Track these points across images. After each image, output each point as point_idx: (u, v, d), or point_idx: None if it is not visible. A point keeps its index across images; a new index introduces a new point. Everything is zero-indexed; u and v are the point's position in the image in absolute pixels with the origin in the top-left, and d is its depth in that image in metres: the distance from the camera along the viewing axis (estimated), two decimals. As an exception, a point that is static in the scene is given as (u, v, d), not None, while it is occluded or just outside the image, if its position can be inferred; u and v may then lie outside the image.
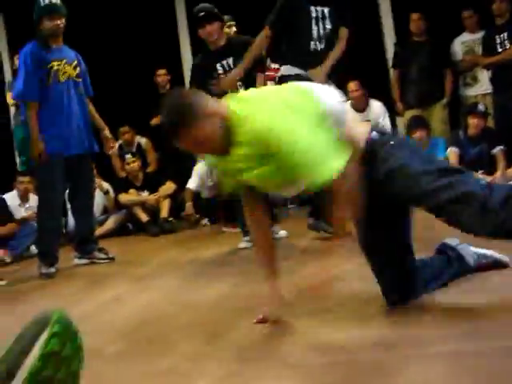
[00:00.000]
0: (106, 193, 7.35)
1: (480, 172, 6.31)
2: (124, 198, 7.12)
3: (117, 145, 8.01)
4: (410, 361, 1.88)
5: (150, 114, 7.90)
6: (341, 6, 4.84)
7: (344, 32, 4.85)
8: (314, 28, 4.72)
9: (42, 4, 4.88)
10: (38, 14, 4.90)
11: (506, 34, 6.73)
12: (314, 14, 4.74)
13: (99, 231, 6.89)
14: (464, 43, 7.41)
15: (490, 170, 6.41)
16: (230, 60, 4.94)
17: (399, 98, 7.36)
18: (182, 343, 2.38)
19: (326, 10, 4.73)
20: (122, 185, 7.32)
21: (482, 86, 7.26)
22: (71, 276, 4.63)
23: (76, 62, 5.03)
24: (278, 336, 2.30)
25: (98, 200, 7.31)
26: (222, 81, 4.82)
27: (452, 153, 6.57)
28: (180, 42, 8.79)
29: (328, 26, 4.72)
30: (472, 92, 7.32)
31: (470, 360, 1.80)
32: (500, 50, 6.78)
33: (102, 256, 5.06)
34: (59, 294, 3.89)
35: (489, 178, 6.29)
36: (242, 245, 4.71)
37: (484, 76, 7.20)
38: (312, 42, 4.71)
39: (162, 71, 7.96)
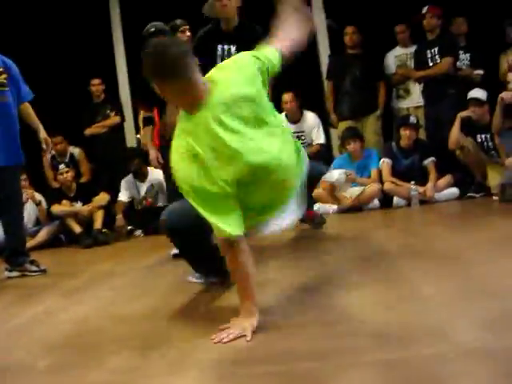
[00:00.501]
0: (39, 204, 7.20)
1: (412, 183, 6.42)
2: (57, 208, 6.99)
3: (49, 155, 7.90)
4: (345, 370, 1.88)
5: (83, 124, 7.83)
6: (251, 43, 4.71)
7: None
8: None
9: None
10: None
11: (436, 49, 6.90)
12: (219, 53, 4.69)
13: (31, 243, 6.76)
14: (397, 57, 7.57)
15: (422, 181, 6.53)
16: None
17: (333, 109, 7.46)
18: (114, 356, 2.33)
19: (233, 48, 4.67)
20: (54, 196, 7.18)
21: (413, 98, 7.42)
22: (1, 289, 4.51)
23: (1, 70, 4.87)
24: (208, 347, 2.27)
25: (31, 211, 7.19)
26: None
27: (385, 164, 6.69)
28: (115, 51, 8.71)
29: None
30: (404, 104, 7.48)
31: (403, 368, 1.81)
32: (431, 63, 6.95)
33: (34, 268, 4.90)
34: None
35: (421, 189, 6.43)
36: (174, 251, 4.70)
37: (416, 89, 7.35)
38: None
39: (96, 81, 7.87)
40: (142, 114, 6.26)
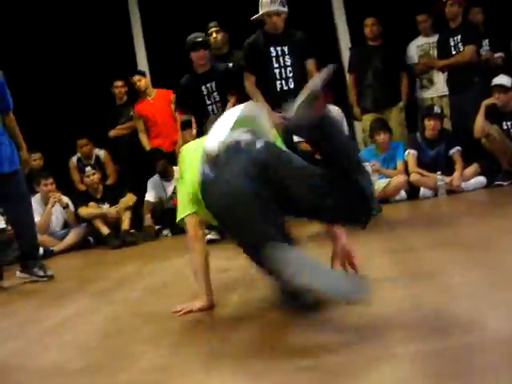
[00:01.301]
0: (66, 207, 7.25)
1: (438, 173, 6.38)
2: (84, 211, 7.04)
3: (75, 158, 7.97)
4: (376, 362, 1.86)
5: (107, 126, 7.86)
6: (299, 41, 5.19)
7: (311, 64, 5.03)
8: (276, 68, 5.05)
9: None
10: None
11: (459, 37, 6.83)
12: (273, 54, 5.12)
13: (60, 246, 6.85)
14: (419, 47, 7.51)
15: (448, 171, 6.49)
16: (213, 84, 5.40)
17: (356, 102, 7.41)
18: (145, 356, 2.34)
19: (286, 48, 5.13)
20: (81, 198, 7.24)
21: (437, 88, 7.36)
22: (32, 293, 4.55)
23: None
24: (242, 344, 2.27)
25: (58, 214, 7.25)
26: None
27: (410, 155, 6.65)
28: (136, 53, 8.74)
29: (288, 63, 5.07)
30: (428, 94, 7.42)
31: (436, 359, 1.80)
32: (454, 52, 6.88)
33: (41, 273, 4.94)
34: (18, 312, 3.81)
35: (447, 179, 6.38)
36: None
37: (440, 78, 7.29)
38: (278, 82, 4.90)
39: (119, 83, 7.90)
40: (179, 118, 6.37)
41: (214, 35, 6.20)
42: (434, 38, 7.35)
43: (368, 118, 7.12)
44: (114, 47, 8.24)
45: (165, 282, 3.94)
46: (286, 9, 5.20)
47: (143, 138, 7.53)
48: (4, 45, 5.72)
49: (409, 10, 7.43)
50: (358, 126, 7.84)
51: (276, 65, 5.08)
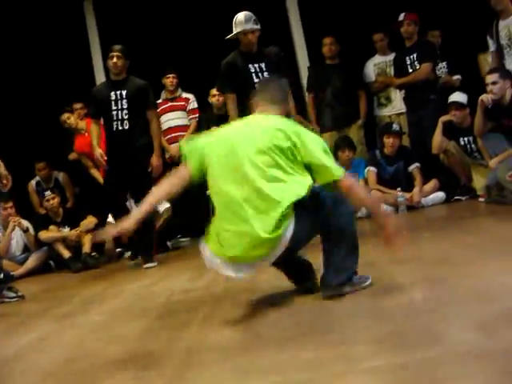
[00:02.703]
0: (26, 231, 7.16)
1: (398, 189, 6.45)
2: (44, 234, 6.96)
3: (34, 181, 7.88)
4: (341, 378, 1.88)
5: (66, 149, 7.80)
6: (275, 57, 5.41)
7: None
8: (256, 82, 5.16)
9: None
10: None
11: (415, 55, 6.94)
12: (252, 70, 5.30)
13: (20, 271, 6.76)
14: (376, 65, 7.61)
15: (408, 187, 6.56)
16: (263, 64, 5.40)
17: (315, 120, 7.46)
18: (110, 379, 2.32)
19: (263, 65, 5.31)
20: (41, 222, 7.15)
21: (395, 105, 7.47)
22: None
23: None
24: (205, 365, 2.27)
25: (18, 238, 7.16)
26: None
27: (370, 172, 6.72)
28: (95, 75, 8.70)
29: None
30: (386, 112, 7.52)
31: (400, 373, 1.82)
32: (411, 70, 6.99)
33: (12, 295, 4.96)
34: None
35: (407, 195, 6.45)
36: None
37: (397, 96, 7.41)
38: None
39: (78, 105, 7.82)
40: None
41: (115, 60, 5.86)
42: (391, 57, 7.47)
43: (327, 136, 7.17)
44: (73, 70, 8.19)
45: (128, 305, 3.92)
46: (259, 26, 5.35)
47: (95, 173, 7.41)
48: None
49: (365, 29, 7.54)
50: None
51: (256, 80, 5.22)
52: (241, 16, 5.29)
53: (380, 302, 2.70)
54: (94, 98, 5.94)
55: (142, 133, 5.79)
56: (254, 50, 5.39)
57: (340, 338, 2.26)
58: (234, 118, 5.31)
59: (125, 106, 5.65)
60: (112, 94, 5.72)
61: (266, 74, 5.25)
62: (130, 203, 6.69)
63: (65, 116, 7.50)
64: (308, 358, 2.10)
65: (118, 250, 7.05)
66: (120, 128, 5.67)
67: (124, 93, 5.70)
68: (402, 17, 6.99)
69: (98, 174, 7.32)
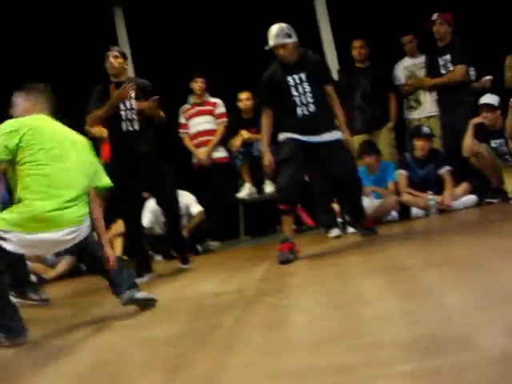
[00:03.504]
0: (57, 235, 7.22)
1: (429, 193, 6.41)
2: (75, 238, 7.01)
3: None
4: (374, 382, 1.86)
5: (96, 155, 7.84)
6: (315, 67, 5.24)
7: (330, 89, 5.14)
8: (296, 96, 5.10)
9: None
10: None
11: (448, 56, 6.89)
12: (291, 83, 5.13)
13: (51, 274, 6.82)
14: (406, 68, 7.56)
15: (439, 190, 6.52)
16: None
17: (345, 124, 7.41)
18: (141, 381, 2.34)
19: (303, 75, 5.14)
20: (72, 225, 7.21)
21: (425, 108, 7.40)
22: (28, 321, 4.51)
23: None
24: (238, 368, 2.27)
25: (50, 243, 7.21)
26: None
27: (400, 175, 6.68)
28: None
29: (307, 90, 5.10)
30: (415, 115, 7.46)
31: (432, 378, 1.80)
32: (443, 71, 6.93)
33: (35, 297, 5.05)
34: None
35: (438, 198, 6.41)
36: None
37: (427, 99, 7.35)
38: (299, 109, 4.96)
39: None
40: None
41: (111, 59, 5.71)
42: (420, 59, 7.41)
43: (358, 140, 7.15)
44: (104, 77, 8.25)
45: (159, 308, 3.93)
46: (292, 39, 5.18)
47: None
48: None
49: (395, 32, 7.50)
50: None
51: (295, 93, 5.11)
52: (272, 29, 5.19)
53: (411, 305, 2.68)
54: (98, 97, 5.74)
55: (151, 131, 5.71)
56: (293, 61, 5.22)
57: (371, 342, 2.24)
58: (265, 130, 5.33)
59: (133, 106, 5.55)
60: None
61: (305, 84, 5.11)
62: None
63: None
64: (339, 362, 2.08)
65: (150, 252, 7.07)
66: (130, 129, 5.57)
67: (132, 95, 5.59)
68: (435, 16, 6.94)
69: None
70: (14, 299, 5.02)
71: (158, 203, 5.94)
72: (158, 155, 5.67)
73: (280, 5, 7.45)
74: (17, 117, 3.77)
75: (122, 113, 5.51)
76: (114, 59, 5.63)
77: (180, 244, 5.85)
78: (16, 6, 7.89)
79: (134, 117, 5.50)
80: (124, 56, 5.75)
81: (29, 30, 8.15)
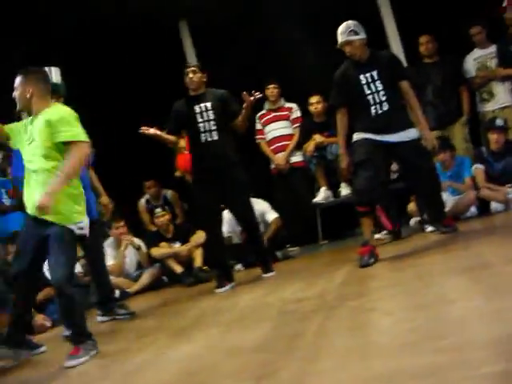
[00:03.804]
0: (138, 248, 7.39)
1: (508, 186, 6.27)
2: (156, 251, 7.16)
3: (143, 199, 8.12)
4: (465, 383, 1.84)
5: (172, 166, 7.99)
6: (388, 63, 5.15)
7: (405, 84, 5.07)
8: (369, 94, 5.06)
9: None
10: None
11: (522, 44, 6.71)
12: (363, 81, 5.07)
13: (135, 287, 6.97)
14: (476, 59, 7.41)
15: (518, 183, 6.37)
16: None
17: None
18: (229, 390, 2.37)
19: (375, 73, 5.07)
20: (153, 239, 7.37)
21: (498, 100, 7.23)
22: (113, 334, 4.65)
23: None
24: (325, 373, 2.28)
25: (132, 256, 7.38)
26: None
27: (478, 170, 6.55)
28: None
29: (379, 88, 5.05)
30: (489, 107, 7.29)
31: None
32: (517, 60, 6.76)
33: (123, 312, 5.27)
34: (102, 354, 3.89)
35: (518, 191, 6.26)
36: None
37: (500, 90, 7.18)
38: (372, 108, 4.93)
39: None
40: None
41: (191, 75, 5.82)
42: (491, 49, 7.26)
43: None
44: (174, 91, 8.39)
45: (242, 316, 3.97)
46: (359, 36, 5.11)
47: None
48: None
49: (462, 24, 7.37)
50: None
51: (368, 91, 5.05)
52: (340, 27, 5.14)
53: (496, 304, 2.64)
54: (176, 115, 5.90)
55: (231, 142, 5.79)
56: (364, 59, 5.15)
57: (455, 344, 2.22)
58: (341, 131, 5.29)
59: (211, 117, 5.65)
60: (196, 107, 5.74)
61: (378, 82, 5.04)
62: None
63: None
64: (425, 365, 2.07)
65: (230, 262, 7.14)
66: (209, 139, 5.66)
67: (209, 104, 5.70)
68: (505, 2, 6.79)
69: None
70: (101, 318, 5.23)
71: (232, 213, 6.02)
72: (237, 164, 5.74)
73: (344, 5, 7.41)
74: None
75: (200, 124, 5.61)
76: (193, 74, 5.75)
77: (261, 253, 5.88)
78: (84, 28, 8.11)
79: (212, 127, 5.60)
80: (202, 70, 5.85)
81: (99, 48, 8.35)
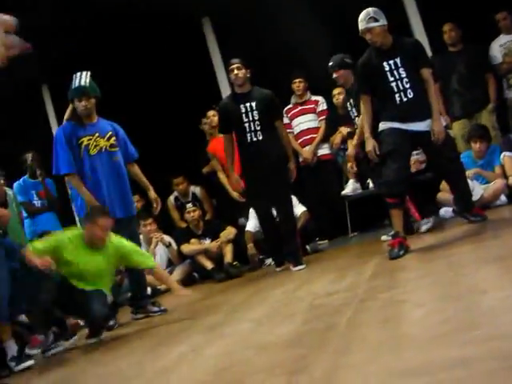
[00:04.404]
0: (169, 246, 7.45)
1: (540, 174, 6.21)
2: (187, 248, 7.21)
3: (172, 197, 8.16)
4: (496, 375, 1.83)
5: (200, 163, 8.03)
6: (411, 51, 5.12)
7: (426, 72, 5.03)
8: (392, 81, 5.03)
9: (73, 87, 5.33)
10: (70, 96, 5.39)
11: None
12: (387, 68, 5.05)
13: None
14: (502, 45, 7.35)
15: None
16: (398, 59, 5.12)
17: (445, 110, 7.29)
18: (263, 386, 2.38)
19: (398, 60, 5.04)
20: (183, 235, 7.42)
21: (526, 85, 7.17)
22: (146, 331, 4.69)
23: (111, 133, 5.41)
24: (354, 368, 2.28)
25: (162, 253, 7.44)
26: None
27: (507, 158, 6.49)
28: (219, 84, 8.93)
29: (403, 75, 5.01)
30: (517, 93, 7.23)
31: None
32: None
33: (155, 309, 5.39)
34: (136, 351, 3.93)
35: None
36: None
37: (527, 75, 7.11)
38: (396, 95, 4.90)
39: (211, 112, 7.96)
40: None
41: (236, 72, 5.92)
42: (517, 35, 7.20)
43: (458, 125, 7.00)
44: (199, 84, 8.42)
45: (274, 311, 3.98)
46: (379, 23, 5.06)
47: (222, 178, 7.61)
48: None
49: (486, 10, 7.30)
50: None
51: (391, 78, 5.01)
52: (360, 15, 5.12)
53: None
54: (224, 113, 6.06)
55: (276, 141, 5.89)
56: (387, 45, 5.11)
57: (489, 334, 2.20)
58: (367, 120, 5.27)
59: (256, 118, 5.74)
60: (242, 106, 5.81)
61: (401, 70, 5.00)
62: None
63: (211, 113, 7.72)
64: (458, 356, 2.06)
65: (260, 256, 7.17)
66: (254, 139, 5.76)
67: (254, 104, 5.78)
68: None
69: (224, 178, 7.47)
70: (135, 315, 5.31)
71: (275, 209, 6.10)
72: (282, 162, 5.86)
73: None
74: None
75: (246, 125, 5.70)
76: (238, 71, 5.83)
77: (293, 247, 5.91)
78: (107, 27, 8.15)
79: (257, 127, 5.68)
80: (246, 66, 5.91)
81: (125, 48, 8.40)
